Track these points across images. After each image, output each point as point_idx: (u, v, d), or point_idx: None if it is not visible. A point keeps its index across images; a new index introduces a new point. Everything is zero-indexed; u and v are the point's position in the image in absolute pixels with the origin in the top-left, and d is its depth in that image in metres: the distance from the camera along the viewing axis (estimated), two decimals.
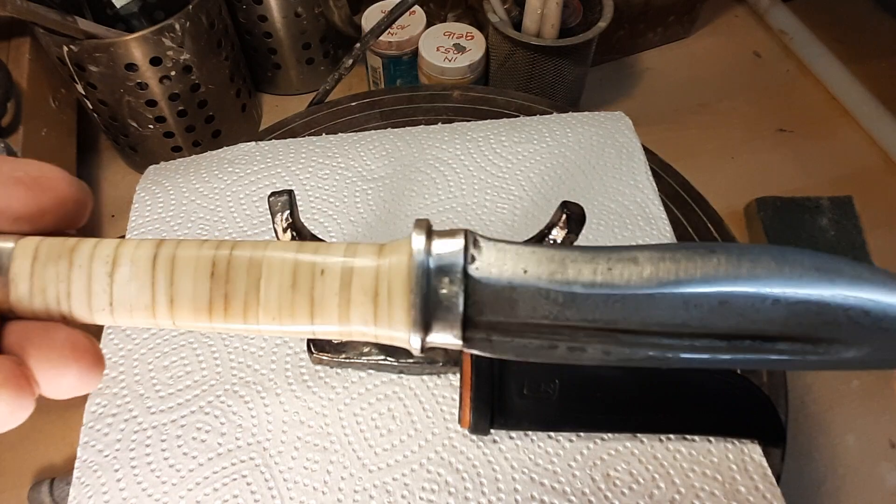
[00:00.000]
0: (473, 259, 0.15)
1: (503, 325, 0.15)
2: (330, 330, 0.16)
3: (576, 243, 0.29)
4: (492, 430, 0.27)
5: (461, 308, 0.14)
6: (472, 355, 0.26)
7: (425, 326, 0.15)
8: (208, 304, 0.15)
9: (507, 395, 0.27)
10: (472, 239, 0.15)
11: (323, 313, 0.15)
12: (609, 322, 0.14)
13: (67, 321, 0.16)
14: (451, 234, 0.15)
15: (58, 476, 0.45)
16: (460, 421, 0.27)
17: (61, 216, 0.16)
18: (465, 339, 0.15)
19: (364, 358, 0.32)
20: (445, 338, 0.15)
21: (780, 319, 0.14)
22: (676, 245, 0.15)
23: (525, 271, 0.15)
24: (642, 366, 0.15)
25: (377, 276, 0.15)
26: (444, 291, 0.14)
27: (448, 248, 0.15)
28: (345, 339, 0.15)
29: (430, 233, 0.15)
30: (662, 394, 0.28)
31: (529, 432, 0.31)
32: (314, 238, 0.30)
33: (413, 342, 0.15)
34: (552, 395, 0.27)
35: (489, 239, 0.16)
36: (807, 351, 0.14)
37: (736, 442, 0.30)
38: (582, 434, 0.30)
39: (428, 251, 0.15)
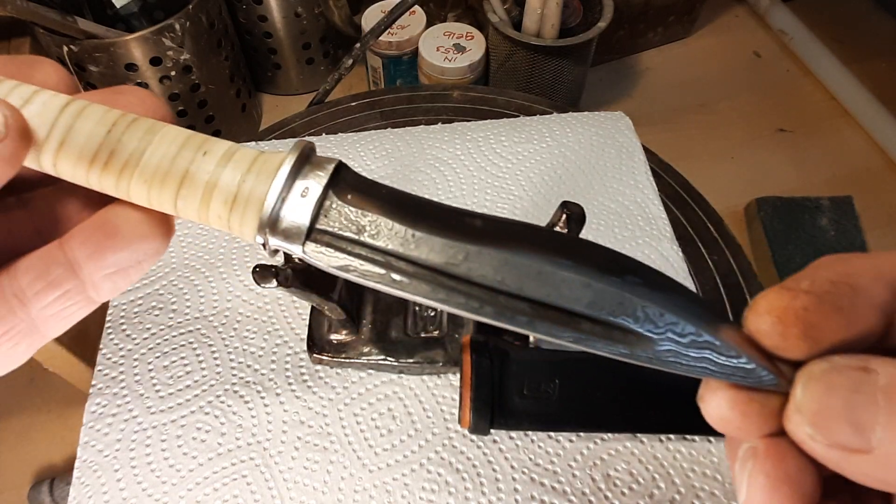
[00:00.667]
0: (333, 197, 0.16)
1: (344, 241, 0.16)
2: (190, 212, 0.17)
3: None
4: (492, 430, 0.27)
5: (307, 226, 0.16)
6: (472, 357, 0.26)
7: (271, 233, 0.16)
8: (92, 155, 0.16)
9: (507, 395, 0.26)
10: (339, 179, 0.17)
11: (188, 195, 0.16)
12: (439, 265, 0.16)
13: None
14: (321, 166, 0.17)
15: (58, 476, 0.45)
16: (460, 421, 0.26)
17: None
18: (304, 251, 0.16)
19: (364, 358, 0.32)
20: (288, 247, 0.16)
21: (586, 300, 0.16)
22: (519, 222, 0.17)
23: (380, 205, 0.17)
24: (457, 311, 0.16)
25: (238, 189, 0.16)
26: (294, 216, 0.16)
27: (310, 185, 0.16)
28: (203, 223, 0.16)
29: (303, 162, 0.17)
30: (663, 394, 0.27)
31: (529, 432, 0.31)
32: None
33: (258, 242, 0.16)
34: (552, 395, 0.26)
35: (358, 179, 0.17)
36: (604, 336, 0.16)
37: None
38: (582, 434, 0.30)
39: (290, 186, 0.16)
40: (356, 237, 0.16)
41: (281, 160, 0.16)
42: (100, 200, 0.17)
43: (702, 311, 0.16)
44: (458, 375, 0.28)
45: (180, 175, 0.16)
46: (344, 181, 0.17)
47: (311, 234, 0.16)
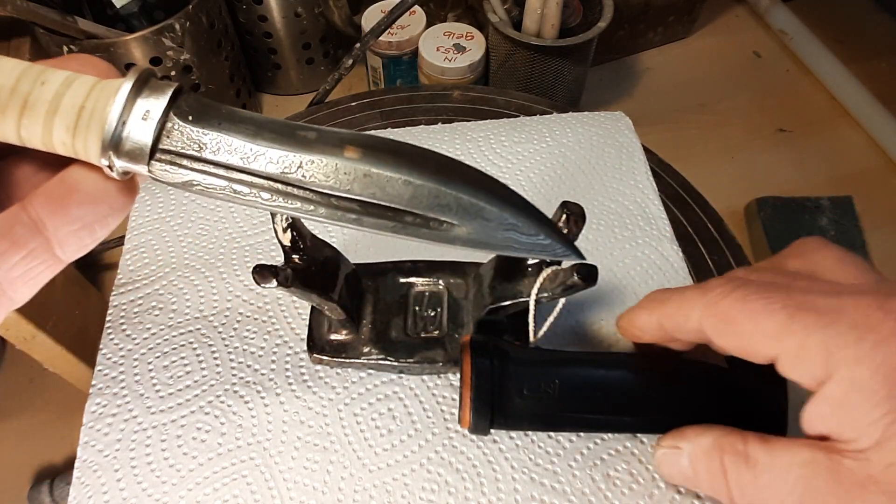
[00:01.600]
0: (174, 118, 0.17)
1: (187, 159, 0.17)
2: (34, 139, 0.17)
3: (575, 243, 0.29)
4: (492, 430, 0.27)
5: (150, 146, 0.17)
6: (472, 357, 0.26)
7: (116, 155, 0.17)
8: None
9: (507, 395, 0.26)
10: (180, 100, 0.17)
11: (29, 125, 0.16)
12: (276, 175, 0.17)
13: None
14: (161, 89, 0.17)
15: (58, 476, 0.45)
16: (460, 421, 0.26)
17: None
18: (149, 171, 0.17)
19: (364, 358, 0.32)
20: (134, 167, 0.17)
21: (407, 196, 0.18)
22: (368, 136, 0.19)
23: (220, 124, 0.18)
24: (294, 214, 0.18)
25: (79, 114, 0.17)
26: (137, 137, 0.17)
27: (151, 107, 0.17)
28: (50, 150, 0.17)
29: (143, 85, 0.17)
30: (663, 393, 0.27)
31: (530, 432, 0.31)
32: (315, 240, 0.30)
33: (103, 165, 0.17)
34: (552, 395, 0.26)
35: (198, 100, 0.18)
36: (424, 225, 0.18)
37: None
38: (582, 434, 0.30)
39: (130, 108, 0.17)
40: (198, 154, 0.17)
41: (120, 84, 0.17)
42: (59, 164, 0.18)
43: (510, 197, 0.19)
44: (458, 375, 0.28)
45: (20, 104, 0.16)
46: (185, 103, 0.18)
47: (155, 153, 0.17)
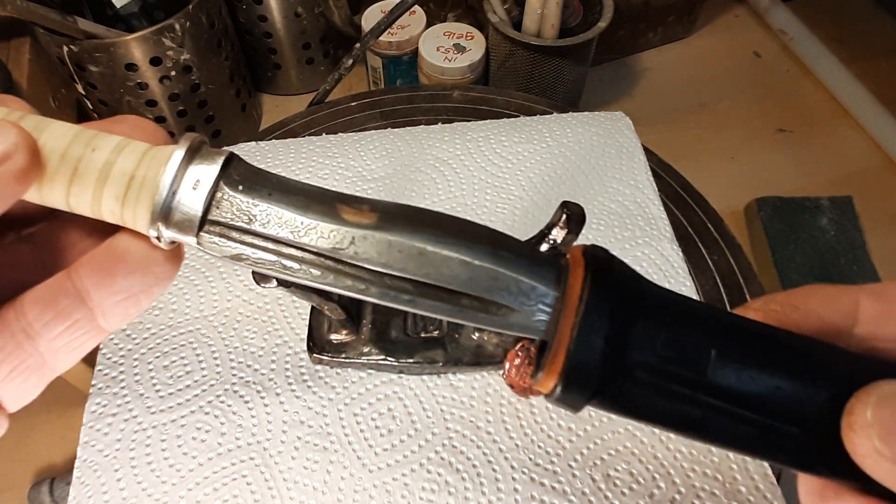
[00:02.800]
0: (224, 188, 0.17)
1: (236, 231, 0.17)
2: (83, 207, 0.16)
3: (575, 243, 0.29)
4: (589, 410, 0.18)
5: (199, 217, 0.16)
6: (590, 282, 0.15)
7: (165, 225, 0.16)
8: None
9: (628, 361, 0.15)
10: (230, 169, 0.17)
11: (79, 193, 0.16)
12: (327, 251, 0.17)
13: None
14: (211, 157, 0.17)
15: (58, 476, 0.45)
16: (534, 379, 0.16)
17: None
18: (198, 242, 0.17)
19: (364, 358, 0.32)
20: (182, 238, 0.17)
21: (465, 278, 0.16)
22: (405, 205, 0.18)
23: (270, 195, 0.17)
24: (344, 293, 0.17)
25: (129, 183, 0.16)
26: (186, 208, 0.16)
27: (202, 176, 0.16)
28: (97, 218, 0.17)
29: (194, 154, 0.17)
30: None
31: (529, 432, 0.31)
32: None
33: (152, 235, 0.16)
34: (701, 371, 0.15)
35: (249, 169, 0.17)
36: (482, 310, 0.17)
37: None
38: (582, 434, 0.30)
39: (181, 177, 0.16)
40: (247, 226, 0.17)
41: (171, 152, 0.16)
42: (104, 230, 0.17)
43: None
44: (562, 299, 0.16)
45: (70, 171, 0.16)
46: (235, 171, 0.17)
47: (204, 225, 0.16)
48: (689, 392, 0.15)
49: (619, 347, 0.15)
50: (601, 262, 0.16)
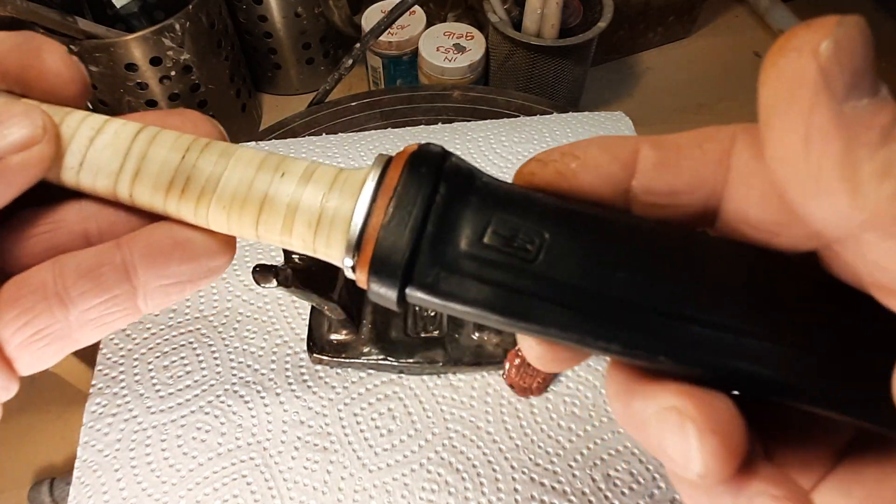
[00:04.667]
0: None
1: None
2: (272, 236, 0.16)
3: None
4: (409, 299, 0.15)
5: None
6: (409, 157, 0.15)
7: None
8: (169, 182, 0.15)
9: (452, 237, 0.14)
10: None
11: (270, 213, 0.15)
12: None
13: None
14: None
15: (58, 476, 0.45)
16: (356, 262, 0.15)
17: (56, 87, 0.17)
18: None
19: (364, 358, 0.32)
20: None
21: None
22: None
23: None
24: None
25: (332, 184, 0.15)
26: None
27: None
28: (286, 247, 0.16)
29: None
30: (734, 289, 0.14)
31: (529, 431, 0.31)
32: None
33: (347, 266, 0.15)
34: (532, 255, 0.14)
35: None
36: None
37: None
38: (582, 434, 0.30)
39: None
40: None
41: (364, 176, 0.15)
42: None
43: None
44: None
45: (259, 199, 0.15)
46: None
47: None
48: (515, 280, 0.14)
49: (439, 234, 0.14)
50: (424, 153, 0.15)
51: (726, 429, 0.12)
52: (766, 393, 0.13)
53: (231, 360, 0.33)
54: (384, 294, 0.14)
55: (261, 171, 0.15)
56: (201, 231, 0.16)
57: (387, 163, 0.15)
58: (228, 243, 0.16)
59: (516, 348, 0.31)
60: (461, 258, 0.14)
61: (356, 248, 0.14)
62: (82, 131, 0.16)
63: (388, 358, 0.32)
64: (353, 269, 0.15)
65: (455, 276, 0.14)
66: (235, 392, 0.32)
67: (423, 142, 0.15)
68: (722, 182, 0.14)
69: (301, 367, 0.33)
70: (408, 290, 0.14)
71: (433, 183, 0.14)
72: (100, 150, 0.16)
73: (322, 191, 0.15)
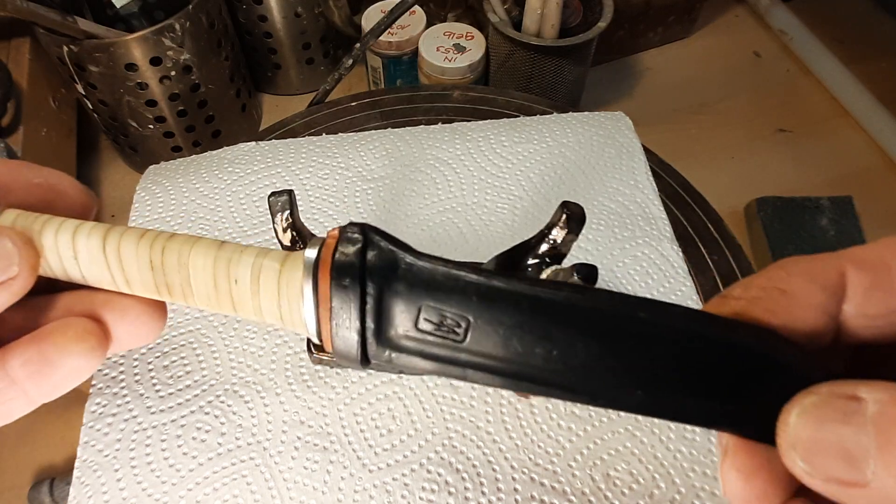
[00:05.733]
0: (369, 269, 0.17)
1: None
2: (253, 321, 0.19)
3: (576, 243, 0.29)
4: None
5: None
6: (332, 263, 0.16)
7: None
8: (155, 288, 0.18)
9: (391, 323, 0.16)
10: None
11: (242, 310, 0.18)
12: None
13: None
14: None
15: (58, 476, 0.45)
16: (321, 350, 0.19)
17: (69, 216, 0.19)
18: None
19: None
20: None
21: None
22: None
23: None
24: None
25: (279, 292, 0.17)
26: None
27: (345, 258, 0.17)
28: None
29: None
30: (661, 365, 0.15)
31: (530, 432, 0.31)
32: (314, 238, 0.30)
33: (313, 337, 0.17)
34: (461, 338, 0.16)
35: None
36: None
37: None
38: (582, 434, 0.30)
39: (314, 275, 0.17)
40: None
41: (301, 291, 0.17)
42: (82, 309, 0.19)
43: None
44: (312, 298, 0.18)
45: (229, 301, 0.18)
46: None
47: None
48: (451, 354, 0.16)
49: (379, 327, 0.16)
50: (342, 265, 0.16)
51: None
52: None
53: (231, 360, 0.33)
54: (351, 371, 0.18)
55: (218, 279, 0.18)
56: (67, 339, 0.18)
57: (315, 270, 0.17)
58: (95, 347, 0.18)
59: None
60: (403, 340, 0.16)
61: (321, 347, 0.17)
62: (64, 252, 0.18)
63: None
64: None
65: (403, 354, 0.16)
66: (235, 392, 0.32)
67: (345, 224, 0.17)
68: None
69: (301, 367, 0.33)
70: (371, 367, 0.17)
71: (360, 288, 0.16)
72: (88, 266, 0.18)
73: (274, 302, 0.17)
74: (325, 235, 0.17)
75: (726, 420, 0.15)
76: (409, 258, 0.16)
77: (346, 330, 0.17)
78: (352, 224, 0.17)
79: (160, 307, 0.19)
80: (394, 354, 0.17)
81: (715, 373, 0.15)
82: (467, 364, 0.16)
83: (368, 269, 0.16)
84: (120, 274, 0.18)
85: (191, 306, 0.19)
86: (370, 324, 0.16)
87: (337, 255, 0.16)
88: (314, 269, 0.17)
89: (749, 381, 0.15)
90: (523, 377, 0.16)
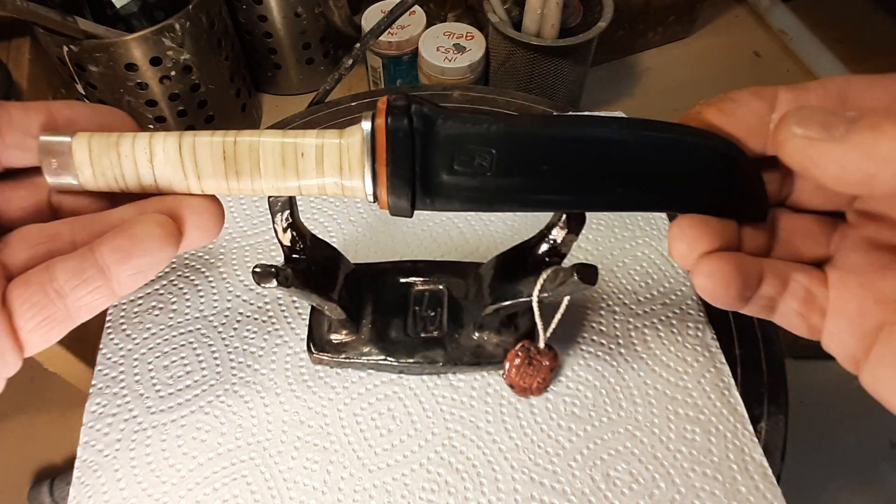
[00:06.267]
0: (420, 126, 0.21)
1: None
2: (312, 190, 0.22)
3: (576, 243, 0.29)
4: (420, 211, 0.22)
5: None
6: (387, 122, 0.21)
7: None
8: (224, 176, 0.21)
9: (434, 170, 0.21)
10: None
11: (306, 180, 0.22)
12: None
13: (126, 192, 0.22)
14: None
15: (58, 476, 0.45)
16: (377, 202, 0.22)
17: None
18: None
19: (364, 358, 0.32)
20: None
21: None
22: None
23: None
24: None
25: (340, 158, 0.21)
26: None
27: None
28: (322, 195, 0.22)
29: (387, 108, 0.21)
30: (625, 167, 0.21)
31: (529, 432, 0.31)
32: (315, 240, 0.30)
33: (369, 194, 0.21)
34: (488, 168, 0.21)
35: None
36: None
37: (736, 441, 0.30)
38: (582, 434, 0.30)
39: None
40: None
41: (361, 154, 0.21)
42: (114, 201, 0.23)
43: None
44: (370, 155, 0.21)
45: (294, 175, 0.21)
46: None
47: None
48: (481, 185, 0.21)
49: (424, 175, 0.21)
50: (396, 109, 0.21)
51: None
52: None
53: (231, 360, 0.33)
54: (400, 209, 0.22)
55: (286, 157, 0.21)
56: (155, 229, 0.21)
57: (372, 136, 0.21)
58: (175, 235, 0.21)
59: (516, 348, 0.31)
60: (443, 183, 0.21)
61: (375, 200, 0.22)
62: (140, 157, 0.21)
63: (388, 358, 0.32)
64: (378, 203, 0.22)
65: (441, 196, 0.22)
66: (235, 392, 0.32)
67: (390, 94, 0.21)
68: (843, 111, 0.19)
69: (301, 367, 0.33)
70: (417, 206, 0.22)
71: (410, 140, 0.21)
72: (161, 167, 0.21)
73: (335, 168, 0.21)
74: (373, 109, 0.21)
75: (679, 200, 0.21)
76: (443, 115, 0.21)
77: (400, 181, 0.21)
78: (395, 95, 0.21)
79: (220, 209, 0.23)
80: (436, 199, 0.22)
81: (673, 164, 0.21)
82: (493, 192, 0.21)
83: (415, 129, 0.21)
84: (192, 169, 0.21)
85: (255, 189, 0.22)
86: (419, 171, 0.21)
87: (389, 122, 0.20)
88: (371, 136, 0.20)
89: (699, 169, 0.21)
90: (535, 192, 0.21)
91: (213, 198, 0.23)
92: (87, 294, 0.20)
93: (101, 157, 0.21)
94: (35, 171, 0.22)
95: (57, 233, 0.22)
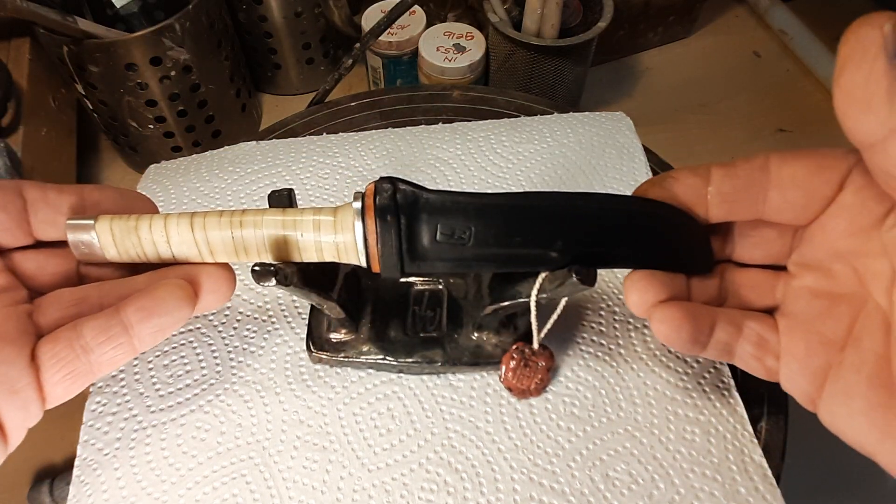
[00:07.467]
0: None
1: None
2: (313, 259, 0.25)
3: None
4: (409, 278, 0.28)
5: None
6: (376, 216, 0.24)
7: None
8: (235, 255, 0.25)
9: (419, 240, 0.24)
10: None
11: (307, 254, 0.25)
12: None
13: (148, 263, 0.25)
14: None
15: (58, 476, 0.45)
16: (370, 267, 0.25)
17: None
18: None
19: (363, 357, 0.32)
20: None
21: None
22: None
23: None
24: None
25: (335, 235, 0.24)
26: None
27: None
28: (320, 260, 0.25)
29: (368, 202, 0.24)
30: (587, 235, 0.25)
31: (529, 432, 0.31)
32: (355, 193, 0.30)
33: (364, 265, 0.25)
34: (467, 241, 0.24)
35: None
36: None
37: (736, 442, 0.30)
38: (581, 434, 0.30)
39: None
40: None
41: (353, 226, 0.24)
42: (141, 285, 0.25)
43: None
44: (362, 231, 0.24)
45: (296, 249, 0.25)
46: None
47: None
48: (461, 254, 0.25)
49: (411, 246, 0.24)
50: (384, 206, 0.24)
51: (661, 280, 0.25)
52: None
53: (231, 359, 0.33)
54: (390, 275, 0.25)
55: (288, 236, 0.25)
56: (176, 292, 0.24)
57: (362, 214, 0.24)
58: (190, 297, 0.24)
59: (511, 350, 0.31)
60: (427, 251, 0.25)
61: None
62: (158, 238, 0.24)
63: (388, 357, 0.32)
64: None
65: (427, 261, 0.25)
66: (235, 391, 0.32)
67: (377, 179, 0.24)
68: (766, 181, 0.23)
69: (301, 366, 0.33)
70: (408, 275, 0.27)
71: (397, 221, 0.24)
72: (178, 246, 0.25)
73: (331, 243, 0.25)
74: (361, 190, 0.25)
75: (634, 259, 0.25)
76: (425, 194, 0.24)
77: (389, 250, 0.24)
78: (381, 179, 0.24)
79: (231, 275, 0.26)
80: (421, 264, 0.25)
81: (632, 229, 0.25)
82: (472, 259, 0.25)
83: (399, 207, 0.24)
84: (206, 247, 0.24)
85: (256, 259, 0.25)
86: (405, 244, 0.24)
87: (378, 201, 0.24)
88: (362, 213, 0.24)
89: (651, 231, 0.25)
90: (509, 260, 0.25)
91: (226, 265, 0.26)
92: (111, 349, 0.22)
93: (124, 239, 0.24)
94: (65, 242, 0.25)
95: (86, 296, 0.24)
